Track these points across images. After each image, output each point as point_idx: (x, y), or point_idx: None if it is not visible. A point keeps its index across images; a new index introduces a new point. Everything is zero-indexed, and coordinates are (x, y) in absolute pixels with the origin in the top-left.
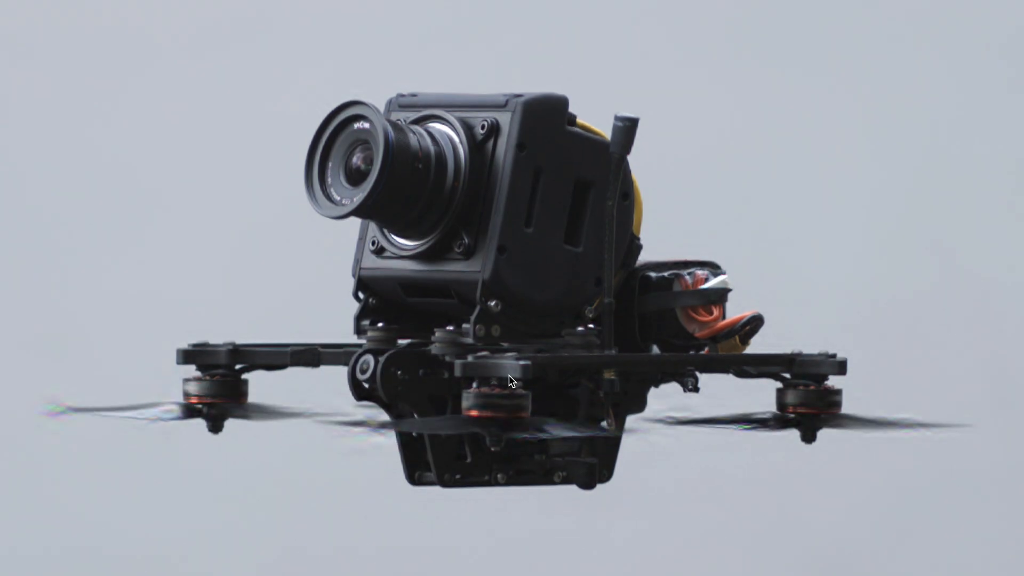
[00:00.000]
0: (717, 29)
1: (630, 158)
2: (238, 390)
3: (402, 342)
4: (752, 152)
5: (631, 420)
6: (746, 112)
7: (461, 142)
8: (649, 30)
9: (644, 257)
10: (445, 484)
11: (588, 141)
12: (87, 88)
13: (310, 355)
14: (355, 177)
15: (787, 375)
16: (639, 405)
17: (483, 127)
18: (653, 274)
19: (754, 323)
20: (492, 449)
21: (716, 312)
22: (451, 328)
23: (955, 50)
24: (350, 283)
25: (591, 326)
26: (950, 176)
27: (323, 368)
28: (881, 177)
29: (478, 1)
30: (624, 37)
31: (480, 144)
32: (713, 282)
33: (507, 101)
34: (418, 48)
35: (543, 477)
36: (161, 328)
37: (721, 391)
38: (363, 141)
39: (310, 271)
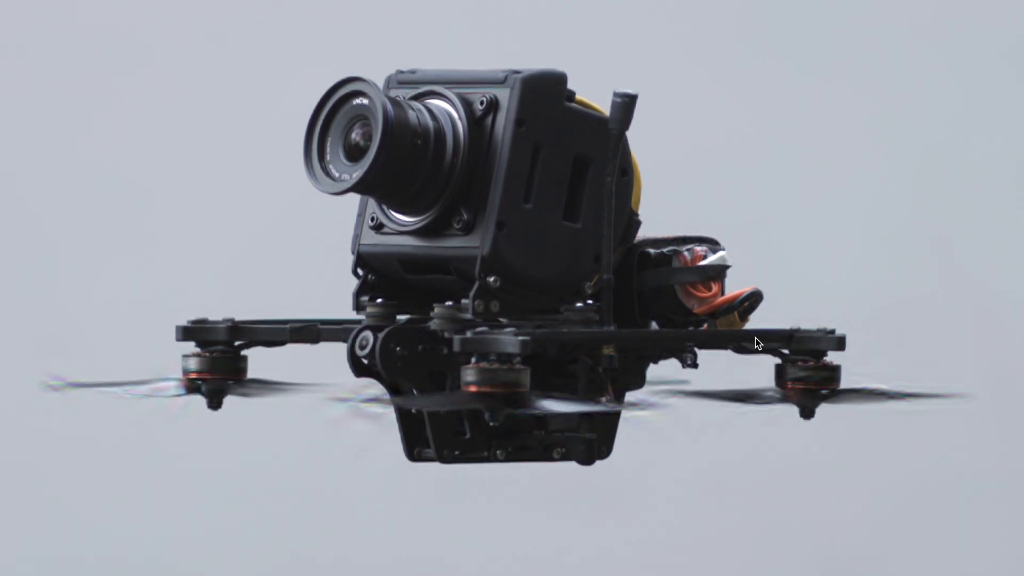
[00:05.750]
0: (724, 16)
1: (629, 134)
2: (237, 366)
3: (401, 318)
4: (753, 131)
5: (630, 397)
6: (749, 95)
7: (460, 118)
8: (653, 7)
9: (643, 233)
10: (444, 460)
11: (587, 117)
12: (82, 82)
13: (309, 332)
14: (354, 153)
15: (786, 351)
16: (638, 381)
17: (482, 103)
18: (652, 250)
19: (753, 299)
20: (491, 425)
21: (715, 288)
22: (450, 304)
23: (961, 50)
24: (349, 259)
25: (590, 302)
26: (953, 164)
27: (322, 344)
28: (885, 162)
29: None
30: (625, 13)
31: (479, 120)
32: (712, 258)
33: (506, 77)
34: (417, 24)
35: (542, 453)
36: (161, 306)
37: (720, 367)
38: (362, 117)
39: (309, 247)
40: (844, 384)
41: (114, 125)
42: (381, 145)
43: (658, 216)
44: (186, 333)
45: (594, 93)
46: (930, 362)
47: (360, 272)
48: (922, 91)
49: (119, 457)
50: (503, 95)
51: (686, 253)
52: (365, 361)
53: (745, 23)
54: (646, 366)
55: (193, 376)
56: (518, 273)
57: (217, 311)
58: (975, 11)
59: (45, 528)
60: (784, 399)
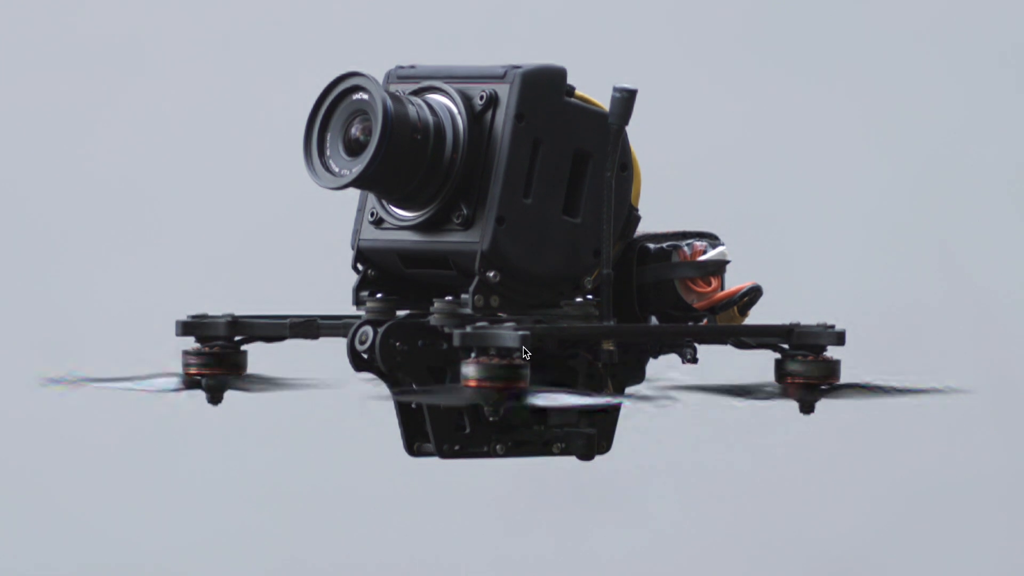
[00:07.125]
0: (725, 15)
1: (629, 129)
2: (237, 362)
3: (401, 313)
4: (753, 128)
5: (629, 391)
6: (750, 93)
7: (460, 113)
8: (653, 6)
9: (643, 228)
10: (444, 455)
11: (586, 112)
12: (81, 81)
13: (309, 327)
14: (354, 148)
15: (786, 346)
16: (637, 376)
17: (482, 98)
18: (652, 245)
19: (752, 294)
20: (491, 420)
21: (714, 283)
22: (450, 299)
23: (963, 53)
24: (349, 255)
25: (590, 297)
26: (954, 165)
27: (322, 340)
28: (885, 161)
29: None
30: (626, 9)
31: (479, 115)
32: (711, 253)
33: (505, 72)
34: (417, 20)
35: (542, 448)
36: (161, 301)
37: (719, 362)
38: (362, 112)
39: (309, 243)
40: (844, 380)
41: (114, 123)
42: (381, 140)
43: (658, 211)
44: (186, 328)
45: (594, 89)
46: (929, 361)
47: (360, 267)
48: (923, 93)
49: (118, 453)
50: (503, 90)
51: (686, 248)
52: (365, 356)
53: (746, 22)
54: (645, 361)
55: (193, 371)
56: (518, 268)
57: (217, 306)
58: (976, 15)
59: (44, 527)
60: (783, 394)
